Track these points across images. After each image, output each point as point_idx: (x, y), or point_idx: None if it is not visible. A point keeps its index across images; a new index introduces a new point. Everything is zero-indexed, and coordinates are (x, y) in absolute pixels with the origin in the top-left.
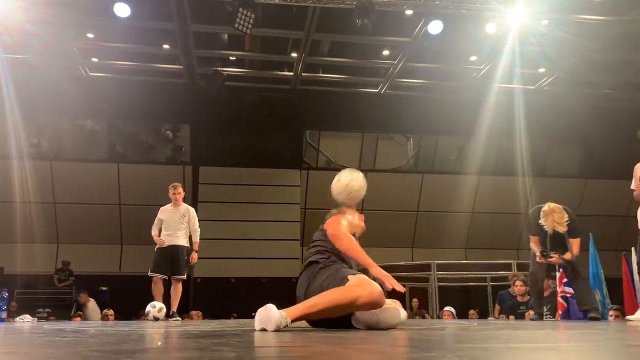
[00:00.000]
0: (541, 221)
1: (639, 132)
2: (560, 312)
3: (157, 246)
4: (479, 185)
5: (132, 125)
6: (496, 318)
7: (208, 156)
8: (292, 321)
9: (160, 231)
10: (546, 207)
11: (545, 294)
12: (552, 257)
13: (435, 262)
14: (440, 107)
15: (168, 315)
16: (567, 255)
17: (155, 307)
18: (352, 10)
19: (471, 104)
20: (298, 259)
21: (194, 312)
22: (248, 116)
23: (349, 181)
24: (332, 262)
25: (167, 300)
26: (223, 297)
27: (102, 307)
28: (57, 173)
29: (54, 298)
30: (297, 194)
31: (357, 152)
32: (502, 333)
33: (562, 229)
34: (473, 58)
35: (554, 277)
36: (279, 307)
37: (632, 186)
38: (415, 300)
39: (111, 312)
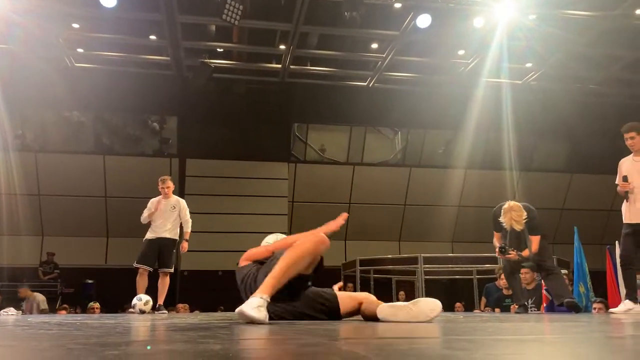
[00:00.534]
0: (500, 218)
1: (623, 128)
2: (544, 304)
3: (145, 237)
4: (466, 179)
5: (119, 117)
6: (482, 311)
7: (195, 149)
8: (270, 296)
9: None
10: (506, 205)
11: (530, 287)
12: (509, 254)
13: (422, 255)
14: (428, 101)
15: (154, 308)
16: (525, 252)
17: (142, 300)
18: (340, 2)
19: (459, 98)
20: None
21: (180, 305)
22: (236, 108)
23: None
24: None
25: (151, 293)
26: (210, 290)
27: (87, 300)
28: (42, 165)
29: (39, 291)
30: (285, 187)
31: (345, 146)
32: (487, 325)
33: (519, 227)
34: (461, 52)
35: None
36: None
37: (617, 181)
38: (402, 293)
39: (97, 305)
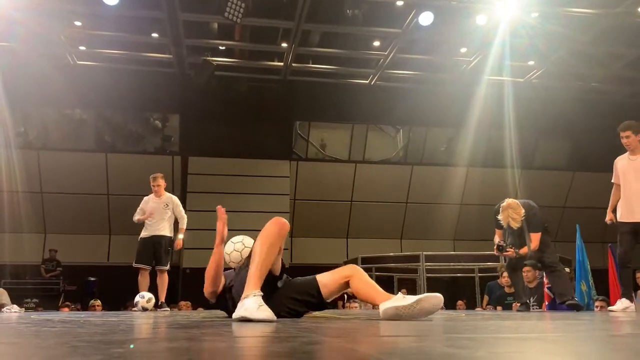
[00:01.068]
0: (498, 216)
1: (619, 127)
2: (546, 302)
3: (140, 236)
4: (468, 177)
5: (121, 115)
6: (484, 309)
7: (197, 146)
8: (261, 289)
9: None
10: (504, 202)
11: (532, 285)
12: (507, 251)
13: (424, 253)
14: (430, 98)
15: (156, 306)
16: (524, 250)
17: (144, 298)
18: (343, 0)
19: (461, 96)
20: (287, 249)
21: (182, 303)
22: (238, 106)
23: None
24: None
25: (153, 291)
26: None
27: (90, 297)
28: (44, 163)
29: (42, 288)
30: (287, 185)
31: (347, 143)
32: (489, 323)
33: (515, 224)
34: (463, 50)
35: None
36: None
37: (612, 179)
38: (403, 290)
39: (98, 302)
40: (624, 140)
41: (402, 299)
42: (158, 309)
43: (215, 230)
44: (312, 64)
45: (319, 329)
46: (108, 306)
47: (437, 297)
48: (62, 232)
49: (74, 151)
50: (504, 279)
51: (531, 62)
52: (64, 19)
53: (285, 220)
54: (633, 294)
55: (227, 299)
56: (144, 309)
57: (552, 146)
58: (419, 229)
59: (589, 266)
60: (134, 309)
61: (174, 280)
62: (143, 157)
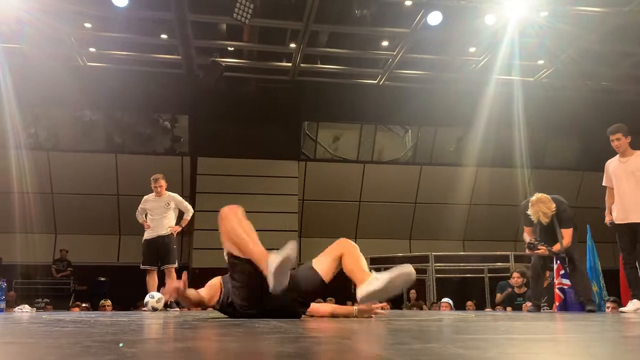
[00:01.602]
0: (528, 211)
1: (609, 130)
2: (557, 303)
3: (143, 237)
4: (477, 177)
5: (130, 116)
6: (494, 309)
7: (206, 147)
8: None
9: (146, 217)
10: (534, 197)
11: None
12: (539, 249)
13: (433, 253)
14: (439, 98)
15: (166, 306)
16: (556, 247)
17: (154, 298)
18: (351, 0)
19: (470, 96)
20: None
21: None
22: (246, 107)
23: None
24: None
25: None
26: None
27: (100, 297)
28: (54, 163)
29: (52, 288)
30: (295, 185)
31: (355, 144)
32: (500, 324)
33: (545, 219)
34: (472, 49)
35: (552, 269)
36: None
37: (604, 183)
38: (412, 291)
39: (108, 302)
40: (614, 143)
41: (375, 282)
42: (168, 309)
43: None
44: (321, 64)
45: (328, 329)
46: (118, 306)
47: (407, 271)
48: (73, 232)
49: (84, 152)
50: (513, 279)
51: (541, 62)
52: (74, 21)
53: (229, 206)
54: None
55: (229, 311)
56: (154, 309)
57: (562, 145)
58: (428, 229)
59: (599, 267)
60: (143, 309)
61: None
62: (152, 158)
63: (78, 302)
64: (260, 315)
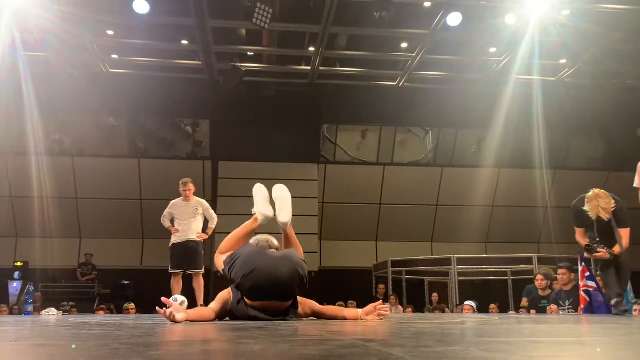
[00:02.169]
0: (585, 207)
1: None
2: (582, 306)
3: (171, 242)
4: (499, 178)
5: (153, 121)
6: (518, 312)
7: (227, 151)
8: None
9: (173, 223)
10: (591, 192)
11: (567, 288)
12: (598, 252)
13: (455, 256)
14: (460, 99)
15: None
16: (616, 249)
17: (177, 301)
18: (370, 3)
19: (491, 96)
20: (316, 252)
21: None
22: (266, 111)
23: None
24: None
25: (186, 295)
26: None
27: (124, 301)
28: (79, 169)
29: (77, 292)
30: (315, 188)
31: (375, 146)
32: (524, 327)
33: (606, 215)
34: (492, 50)
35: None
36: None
37: (635, 184)
38: (435, 294)
39: (132, 305)
40: None
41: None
42: None
43: None
44: (340, 67)
45: (350, 332)
46: (142, 309)
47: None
48: (97, 236)
49: (108, 157)
50: (537, 282)
51: (563, 61)
52: (96, 29)
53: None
54: None
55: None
56: None
57: (586, 146)
58: (449, 231)
59: None
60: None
61: (205, 283)
62: (175, 163)
63: (103, 305)
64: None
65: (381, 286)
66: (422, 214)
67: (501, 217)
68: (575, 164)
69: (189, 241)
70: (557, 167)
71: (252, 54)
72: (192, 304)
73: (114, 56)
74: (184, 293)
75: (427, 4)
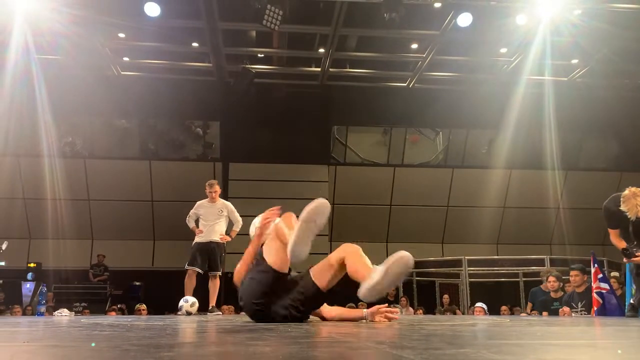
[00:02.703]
0: (622, 207)
1: None
2: (595, 308)
3: (194, 241)
4: (511, 179)
5: (163, 123)
6: (528, 314)
7: (238, 153)
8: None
9: (197, 224)
10: (627, 191)
11: (580, 289)
12: (637, 256)
13: (466, 257)
14: (470, 100)
15: (207, 310)
16: None
17: (188, 302)
18: (379, 4)
19: (502, 97)
20: (327, 254)
21: (225, 307)
22: (276, 112)
23: None
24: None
25: (197, 295)
26: None
27: (135, 301)
28: (90, 171)
29: (89, 292)
30: (325, 190)
31: (385, 147)
32: (535, 329)
33: None
34: (503, 50)
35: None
36: None
37: None
38: (446, 296)
39: (144, 306)
40: None
41: (373, 275)
42: (209, 313)
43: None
44: (350, 68)
45: (361, 334)
46: (153, 310)
47: (401, 255)
48: (108, 238)
49: (119, 159)
50: (549, 283)
51: (574, 61)
52: (108, 32)
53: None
54: None
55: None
56: (188, 313)
57: (598, 146)
58: (460, 232)
59: None
60: (178, 313)
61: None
62: (185, 164)
63: (114, 307)
64: (264, 311)
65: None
66: (432, 215)
67: (512, 218)
68: (587, 164)
69: (210, 242)
70: (569, 167)
71: (262, 55)
72: (203, 305)
73: (125, 59)
74: (194, 293)
75: (437, 5)
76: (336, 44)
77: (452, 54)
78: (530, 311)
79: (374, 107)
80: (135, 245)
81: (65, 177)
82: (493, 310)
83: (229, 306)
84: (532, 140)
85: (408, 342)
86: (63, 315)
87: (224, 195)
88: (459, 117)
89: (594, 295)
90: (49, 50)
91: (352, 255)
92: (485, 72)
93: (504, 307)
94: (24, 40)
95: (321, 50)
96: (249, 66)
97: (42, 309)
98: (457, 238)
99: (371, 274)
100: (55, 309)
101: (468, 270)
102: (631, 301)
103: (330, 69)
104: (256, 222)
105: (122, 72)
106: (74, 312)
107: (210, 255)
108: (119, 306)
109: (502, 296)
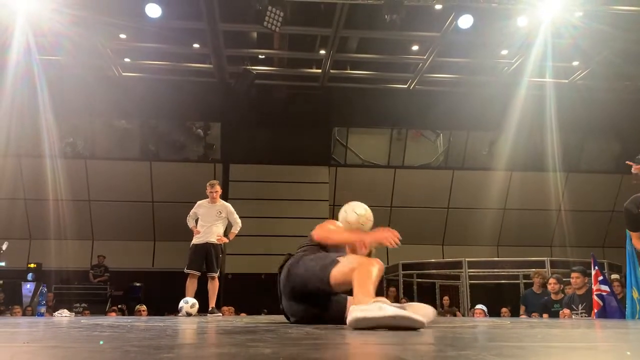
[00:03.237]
0: None
1: None
2: (595, 310)
3: (192, 242)
4: (511, 181)
5: (164, 124)
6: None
7: (238, 154)
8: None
9: (197, 223)
10: None
11: (581, 292)
12: None
13: (467, 259)
14: (471, 102)
15: (208, 311)
16: None
17: (188, 303)
18: (380, 5)
19: (502, 99)
20: None
21: (225, 308)
22: (277, 114)
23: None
24: (316, 251)
25: (198, 297)
26: (254, 293)
27: (135, 302)
28: (91, 171)
29: (90, 293)
30: (326, 191)
31: (385, 149)
32: (536, 332)
33: None
34: (504, 52)
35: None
36: None
37: None
38: (446, 298)
39: (144, 307)
40: None
41: (374, 309)
42: (209, 314)
43: (258, 235)
44: (350, 70)
45: (362, 336)
46: (153, 311)
47: (416, 319)
48: (109, 238)
49: (120, 160)
50: (550, 286)
51: (575, 63)
52: (109, 33)
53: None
54: None
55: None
56: (188, 314)
57: (599, 148)
58: (461, 234)
59: None
60: (178, 314)
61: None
62: (186, 165)
63: (114, 307)
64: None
65: (392, 289)
66: (433, 216)
67: (513, 220)
68: (588, 166)
69: (209, 243)
70: (570, 169)
71: (263, 57)
72: (203, 306)
73: (127, 60)
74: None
75: (438, 7)
76: (337, 45)
77: (453, 56)
78: (522, 315)
79: (375, 109)
80: (136, 246)
81: (66, 177)
82: (493, 312)
83: (229, 307)
84: (533, 142)
85: (409, 344)
86: (63, 315)
87: (225, 197)
88: (460, 119)
89: (595, 297)
90: (50, 51)
91: (360, 270)
92: (486, 74)
93: (504, 309)
94: (25, 41)
95: (322, 51)
96: (250, 67)
97: (42, 309)
98: (458, 240)
99: (371, 302)
100: (56, 309)
101: (468, 272)
102: None
103: (331, 71)
104: (360, 211)
105: (123, 73)
106: (74, 313)
107: (207, 256)
108: (119, 307)
109: (502, 298)
